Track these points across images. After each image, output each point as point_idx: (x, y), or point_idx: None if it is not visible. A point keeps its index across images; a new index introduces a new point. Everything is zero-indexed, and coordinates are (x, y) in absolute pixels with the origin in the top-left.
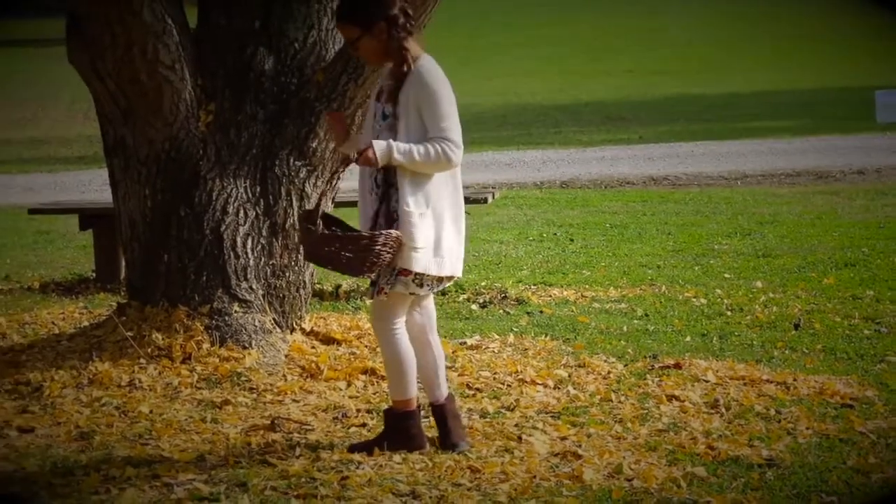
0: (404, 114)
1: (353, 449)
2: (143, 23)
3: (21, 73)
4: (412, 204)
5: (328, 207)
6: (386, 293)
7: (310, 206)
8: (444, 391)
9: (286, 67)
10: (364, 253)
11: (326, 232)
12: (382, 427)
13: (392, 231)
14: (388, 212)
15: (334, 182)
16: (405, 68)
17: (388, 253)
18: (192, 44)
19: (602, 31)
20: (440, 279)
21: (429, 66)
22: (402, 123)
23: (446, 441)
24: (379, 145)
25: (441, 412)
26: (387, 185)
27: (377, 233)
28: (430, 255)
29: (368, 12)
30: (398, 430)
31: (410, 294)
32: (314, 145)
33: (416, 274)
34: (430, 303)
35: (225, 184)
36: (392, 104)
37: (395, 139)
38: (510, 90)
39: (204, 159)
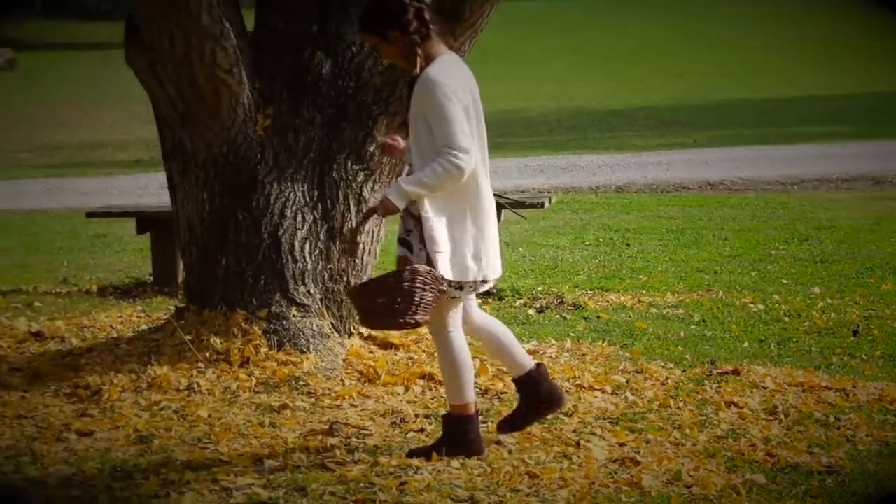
0: (413, 122)
1: (411, 454)
2: (202, 27)
3: (77, 76)
4: (430, 209)
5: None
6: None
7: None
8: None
9: (344, 71)
10: (398, 294)
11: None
12: (440, 432)
13: (418, 266)
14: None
15: None
16: (416, 70)
17: (422, 288)
18: (250, 47)
19: (656, 34)
20: (478, 280)
21: (435, 70)
22: (412, 132)
23: (555, 394)
24: (390, 191)
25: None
26: None
27: (401, 270)
28: (457, 259)
29: (382, 21)
30: (456, 435)
31: (453, 298)
32: (371, 149)
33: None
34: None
35: (283, 188)
36: (407, 111)
37: (410, 147)
38: (564, 94)
39: (262, 163)
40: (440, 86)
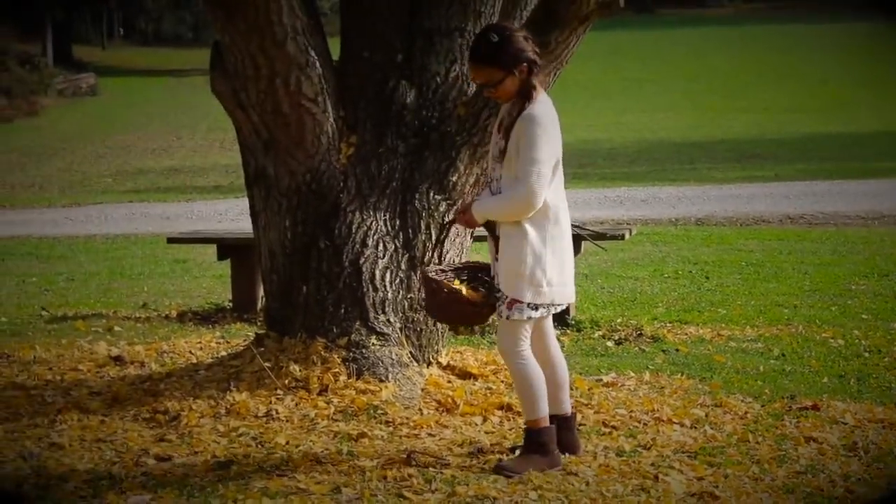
0: (513, 150)
1: (497, 469)
2: (287, 55)
3: (158, 103)
4: (512, 235)
5: (467, 242)
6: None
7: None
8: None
9: (427, 101)
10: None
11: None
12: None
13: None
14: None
15: None
16: (532, 101)
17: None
18: (335, 76)
19: (736, 67)
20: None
21: (539, 108)
22: (510, 160)
23: (575, 445)
24: (477, 206)
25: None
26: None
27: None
28: (535, 281)
29: (513, 55)
30: (535, 446)
31: (528, 319)
32: (454, 179)
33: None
34: (547, 322)
35: (365, 216)
36: (505, 140)
37: (503, 175)
38: (644, 126)
39: (344, 192)
40: (541, 126)
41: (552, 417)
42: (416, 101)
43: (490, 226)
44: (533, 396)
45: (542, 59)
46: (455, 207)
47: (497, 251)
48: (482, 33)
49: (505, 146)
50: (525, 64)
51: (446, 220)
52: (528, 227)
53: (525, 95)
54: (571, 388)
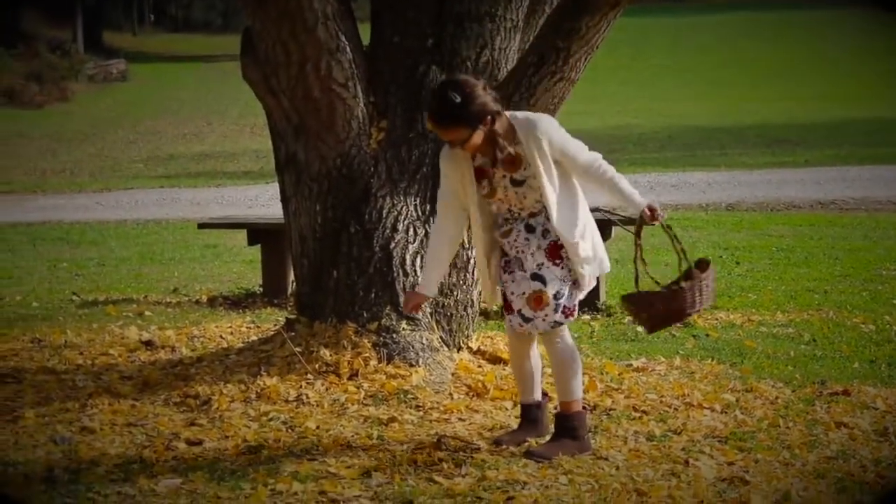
0: (540, 163)
1: (528, 455)
2: (318, 40)
3: (188, 89)
4: (572, 231)
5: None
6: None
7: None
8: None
9: None
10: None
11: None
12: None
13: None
14: (526, 250)
15: None
16: (503, 149)
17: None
18: (365, 61)
19: (766, 53)
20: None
21: (534, 118)
22: (542, 176)
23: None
24: (645, 201)
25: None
26: (528, 228)
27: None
28: (597, 260)
29: (477, 112)
30: (568, 430)
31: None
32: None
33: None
34: None
35: (395, 201)
36: (517, 167)
37: (537, 194)
38: (674, 112)
39: (375, 177)
40: (547, 120)
41: (534, 403)
42: None
43: (530, 221)
44: (577, 375)
45: (502, 105)
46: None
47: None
48: (442, 93)
49: (526, 170)
50: (489, 117)
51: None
52: (581, 207)
53: (494, 143)
54: (602, 373)
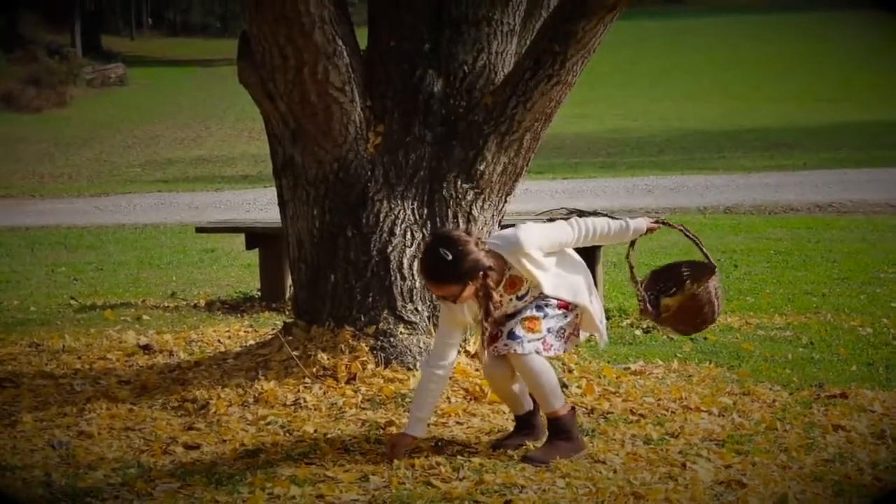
0: (536, 272)
1: (525, 460)
2: (314, 44)
3: (187, 93)
4: (553, 286)
5: (495, 231)
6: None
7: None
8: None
9: (455, 90)
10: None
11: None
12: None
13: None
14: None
15: (501, 206)
16: (495, 302)
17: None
18: (362, 65)
19: (765, 56)
20: None
21: (500, 236)
22: (539, 278)
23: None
24: (639, 222)
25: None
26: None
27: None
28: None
29: (469, 269)
30: (560, 433)
31: None
32: (482, 168)
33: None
34: None
35: (392, 205)
36: (518, 287)
37: (538, 293)
38: (673, 115)
39: (372, 181)
40: (521, 232)
41: (527, 413)
42: (444, 91)
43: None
44: (551, 386)
45: (493, 263)
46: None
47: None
48: (433, 251)
49: (527, 284)
50: (482, 273)
51: (473, 213)
52: (550, 254)
53: (487, 297)
54: (599, 377)
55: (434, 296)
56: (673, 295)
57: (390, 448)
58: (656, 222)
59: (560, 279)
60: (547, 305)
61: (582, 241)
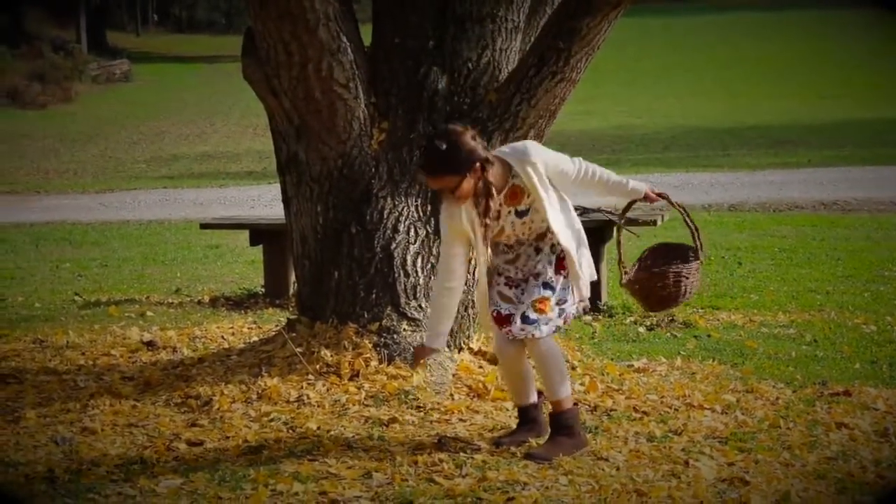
0: (540, 188)
1: (528, 457)
2: (319, 41)
3: (192, 89)
4: (573, 243)
5: None
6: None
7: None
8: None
9: (459, 87)
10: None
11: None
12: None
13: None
14: (536, 267)
15: None
16: (495, 197)
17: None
18: (367, 62)
19: (769, 53)
20: None
21: (521, 147)
22: (544, 201)
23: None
24: (640, 184)
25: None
26: (537, 249)
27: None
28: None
29: (465, 159)
30: (563, 429)
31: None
32: None
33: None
34: None
35: (396, 202)
36: (519, 199)
37: (542, 216)
38: (677, 112)
39: (376, 177)
40: (529, 144)
41: (530, 405)
42: (448, 88)
43: (538, 241)
44: (562, 373)
45: (497, 167)
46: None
47: (535, 267)
48: (429, 143)
49: (529, 201)
50: (478, 164)
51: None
52: (575, 221)
53: (486, 193)
54: (603, 374)
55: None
56: (648, 269)
57: (413, 359)
58: (658, 194)
59: (566, 217)
60: (552, 279)
61: (581, 179)
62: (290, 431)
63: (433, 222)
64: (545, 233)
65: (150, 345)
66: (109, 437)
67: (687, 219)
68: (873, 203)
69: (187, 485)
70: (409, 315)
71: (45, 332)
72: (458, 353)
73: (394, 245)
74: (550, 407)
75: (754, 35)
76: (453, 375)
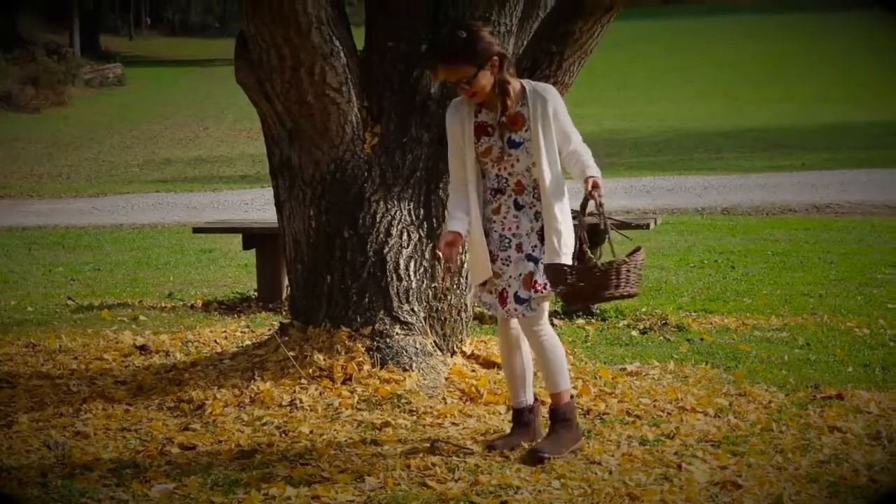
0: (542, 133)
1: (533, 453)
2: (311, 45)
3: (185, 93)
4: (561, 216)
5: None
6: (547, 291)
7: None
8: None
9: (452, 91)
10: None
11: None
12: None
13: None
14: (518, 228)
15: None
16: (516, 95)
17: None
18: (359, 66)
19: (764, 56)
20: None
21: (548, 86)
22: (540, 142)
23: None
24: (594, 172)
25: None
26: (517, 205)
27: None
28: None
29: (483, 50)
30: (563, 423)
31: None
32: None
33: None
34: None
35: (389, 206)
36: (519, 126)
37: (531, 158)
38: (671, 115)
39: (369, 181)
40: (554, 90)
41: (525, 408)
42: (441, 91)
43: (518, 199)
44: (560, 365)
45: (509, 56)
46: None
47: (517, 228)
48: (449, 32)
49: (509, 141)
50: (496, 57)
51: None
52: (564, 198)
53: (503, 91)
54: (595, 377)
55: (450, 83)
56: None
57: (439, 242)
58: (592, 198)
59: (559, 181)
60: (535, 250)
61: (574, 157)
62: (283, 435)
63: (426, 226)
64: (526, 189)
65: (142, 349)
66: (102, 442)
67: (605, 226)
68: (866, 206)
69: (180, 489)
70: (402, 319)
71: (37, 336)
72: (451, 356)
73: (386, 249)
74: (549, 400)
75: (748, 37)
76: (446, 379)
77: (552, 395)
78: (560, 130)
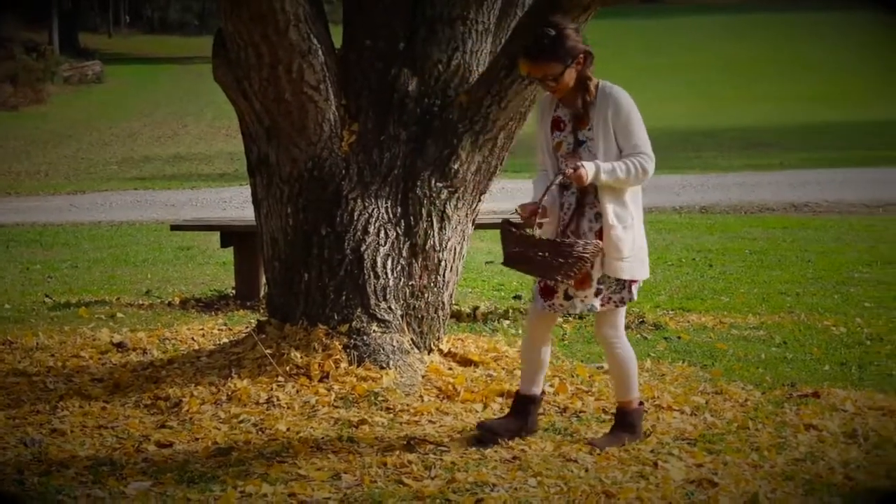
0: (602, 134)
1: (592, 443)
2: (289, 42)
3: (164, 91)
4: (616, 219)
5: (469, 230)
6: (615, 304)
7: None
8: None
9: (430, 89)
10: (563, 259)
11: (532, 236)
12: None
13: (598, 241)
14: (577, 228)
15: (475, 205)
16: (593, 93)
17: (588, 262)
18: (337, 64)
19: (743, 56)
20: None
21: (618, 88)
22: (600, 143)
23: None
24: (589, 166)
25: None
26: (579, 203)
27: (579, 241)
28: (641, 258)
29: (570, 48)
30: (628, 426)
31: (631, 300)
32: (456, 167)
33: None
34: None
35: (366, 204)
36: (586, 128)
37: (592, 158)
38: (650, 114)
39: (346, 179)
40: (630, 99)
41: (532, 396)
42: (418, 89)
43: (581, 197)
44: (633, 377)
45: (591, 89)
46: (567, 164)
47: (576, 227)
48: (538, 31)
49: (591, 134)
50: (581, 55)
51: (447, 212)
52: (634, 203)
53: (584, 87)
54: (572, 375)
55: (535, 80)
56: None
57: (521, 211)
58: (563, 174)
59: (623, 209)
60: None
61: (627, 152)
62: (260, 433)
63: (403, 224)
64: (588, 190)
65: (119, 346)
66: (79, 439)
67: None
68: (843, 205)
69: (156, 486)
70: (379, 317)
71: (14, 333)
72: (428, 354)
73: (364, 247)
74: (617, 403)
75: (728, 38)
76: (423, 377)
77: (622, 401)
78: (624, 134)
